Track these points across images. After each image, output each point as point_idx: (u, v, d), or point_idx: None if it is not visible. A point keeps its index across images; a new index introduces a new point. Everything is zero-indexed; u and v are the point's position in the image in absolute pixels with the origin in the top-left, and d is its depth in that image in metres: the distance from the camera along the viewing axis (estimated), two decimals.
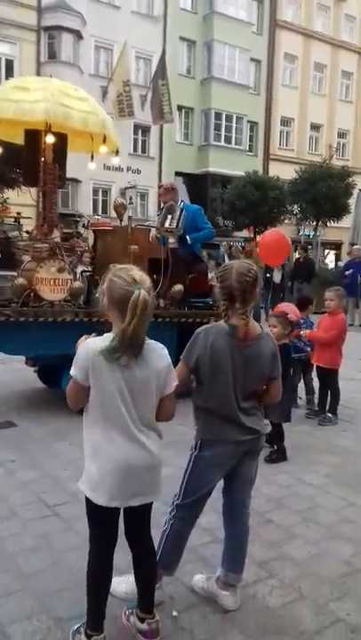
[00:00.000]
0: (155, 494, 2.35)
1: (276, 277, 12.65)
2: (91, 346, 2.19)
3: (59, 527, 3.43)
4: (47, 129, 5.93)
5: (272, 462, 4.59)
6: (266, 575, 2.99)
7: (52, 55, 24.18)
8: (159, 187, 6.88)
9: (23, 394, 6.55)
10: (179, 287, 6.02)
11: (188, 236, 6.46)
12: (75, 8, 23.97)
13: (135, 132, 26.27)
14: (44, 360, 6.06)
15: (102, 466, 2.22)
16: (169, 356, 2.33)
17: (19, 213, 6.27)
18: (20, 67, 22.91)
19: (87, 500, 2.29)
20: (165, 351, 2.31)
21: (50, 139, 5.95)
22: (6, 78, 21.93)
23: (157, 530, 2.65)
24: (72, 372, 2.21)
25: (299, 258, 13.52)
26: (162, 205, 6.75)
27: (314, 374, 6.24)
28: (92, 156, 6.94)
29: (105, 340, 2.20)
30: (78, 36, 24.38)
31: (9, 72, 22.53)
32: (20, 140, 6.45)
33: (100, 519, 2.31)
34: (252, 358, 2.52)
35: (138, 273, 2.20)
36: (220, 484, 2.74)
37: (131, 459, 2.21)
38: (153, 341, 2.27)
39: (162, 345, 2.31)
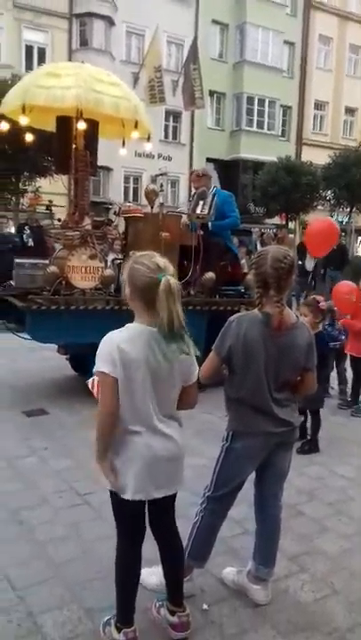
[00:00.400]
0: (178, 485, 2.32)
1: (309, 265, 12.44)
2: (114, 338, 2.13)
3: (89, 516, 3.44)
4: (78, 115, 5.89)
5: (304, 453, 4.52)
6: (297, 569, 2.94)
7: (84, 42, 24.12)
8: (191, 173, 6.78)
9: (54, 381, 6.60)
10: (210, 275, 5.95)
11: (210, 222, 6.36)
12: None
13: (166, 119, 26.11)
14: (75, 348, 6.07)
15: (126, 459, 2.18)
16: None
17: (50, 201, 6.27)
18: (53, 55, 22.93)
19: (112, 494, 2.27)
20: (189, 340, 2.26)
21: (81, 125, 5.90)
22: (39, 66, 22.02)
23: (187, 520, 2.63)
24: (100, 368, 2.11)
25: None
26: (193, 192, 6.65)
27: (347, 364, 6.12)
28: (124, 143, 6.89)
29: (129, 330, 2.16)
30: (110, 22, 24.26)
31: (41, 60, 22.54)
32: (51, 127, 6.44)
33: (126, 513, 2.29)
34: (287, 348, 2.45)
35: (161, 259, 2.16)
36: (253, 475, 2.69)
37: (155, 450, 2.18)
38: None
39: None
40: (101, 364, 2.12)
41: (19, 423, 5.09)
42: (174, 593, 2.44)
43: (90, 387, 2.32)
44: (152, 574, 2.65)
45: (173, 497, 2.36)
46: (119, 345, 2.10)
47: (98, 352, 2.14)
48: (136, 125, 6.19)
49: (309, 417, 4.70)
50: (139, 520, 2.32)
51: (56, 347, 6.51)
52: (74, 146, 6.12)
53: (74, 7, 23.77)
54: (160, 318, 2.06)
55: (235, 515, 2.98)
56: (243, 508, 2.95)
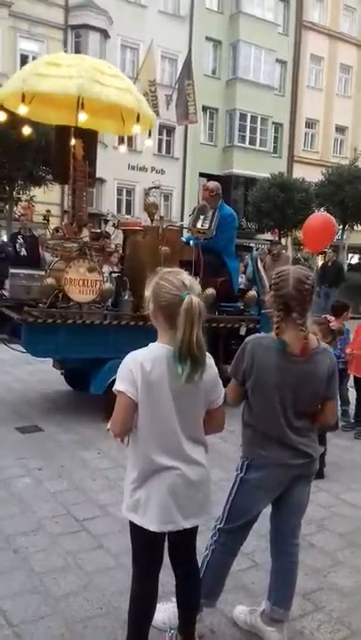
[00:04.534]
0: (206, 514, 2.20)
1: None
2: (137, 357, 2.02)
3: (88, 544, 3.25)
4: (79, 107, 5.56)
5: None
6: (312, 608, 2.77)
7: (79, 53, 24.08)
8: (204, 187, 6.61)
9: (49, 397, 6.39)
10: (211, 291, 5.80)
11: (191, 241, 6.18)
12: (102, 7, 23.86)
13: (160, 133, 26.04)
14: (71, 363, 5.88)
15: (154, 489, 2.05)
16: (215, 366, 2.15)
17: (48, 211, 6.10)
18: None
19: (135, 527, 2.11)
20: (212, 360, 2.12)
21: (82, 116, 5.44)
22: None
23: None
24: (118, 387, 2.01)
25: (327, 262, 13.14)
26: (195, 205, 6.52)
27: (350, 384, 5.98)
28: (124, 139, 6.69)
29: (151, 350, 2.04)
30: (105, 35, 24.26)
31: None
32: (48, 119, 6.29)
33: (150, 545, 2.14)
34: (307, 376, 2.30)
35: (187, 277, 2.05)
36: (268, 509, 2.53)
37: (185, 477, 2.06)
38: None
39: (208, 354, 2.11)
40: (120, 382, 2.01)
41: (12, 440, 4.88)
42: (187, 625, 2.32)
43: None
44: (159, 610, 2.46)
45: (197, 526, 2.22)
46: (142, 364, 1.98)
47: (119, 370, 2.04)
48: (138, 119, 5.88)
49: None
50: (159, 552, 2.17)
51: (51, 360, 6.31)
52: (72, 156, 5.98)
53: (69, 18, 23.76)
54: (177, 338, 1.94)
55: (243, 547, 2.80)
56: (252, 540, 2.79)
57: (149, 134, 6.50)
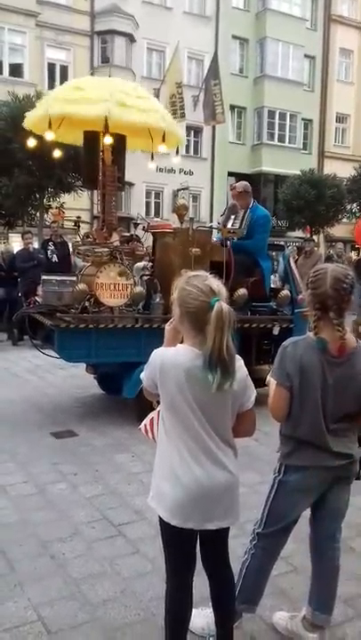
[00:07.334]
0: (233, 518, 2.14)
1: None
2: (161, 354, 2.05)
3: (125, 550, 3.24)
4: (105, 130, 5.75)
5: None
6: (353, 614, 2.70)
7: (105, 59, 24.23)
8: (232, 188, 6.57)
9: (82, 401, 6.42)
10: (242, 291, 5.75)
11: (228, 241, 6.12)
12: (127, 12, 23.99)
13: (187, 134, 25.98)
14: (104, 367, 5.90)
15: (177, 485, 2.03)
16: (245, 367, 2.11)
17: (79, 217, 6.14)
18: (75, 72, 23.03)
19: (160, 519, 2.12)
20: (241, 362, 2.08)
21: (107, 140, 5.72)
22: (61, 84, 22.14)
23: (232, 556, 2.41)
24: (142, 374, 2.14)
25: (360, 257, 12.93)
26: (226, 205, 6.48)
27: None
28: (152, 156, 6.76)
29: (177, 355, 2.01)
30: (131, 39, 24.39)
31: (63, 77, 22.68)
32: (77, 141, 6.35)
33: (176, 540, 2.13)
34: (347, 377, 2.23)
35: (214, 282, 2.02)
36: (307, 511, 2.47)
37: (209, 478, 2.03)
38: None
39: (237, 355, 2.06)
40: (144, 372, 2.12)
41: (47, 446, 4.92)
42: (223, 630, 2.27)
43: (143, 432, 2.25)
44: (198, 616, 2.45)
45: (227, 530, 2.19)
46: (163, 361, 2.01)
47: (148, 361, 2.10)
48: (164, 138, 6.02)
49: None
50: (189, 550, 2.15)
51: (84, 365, 6.35)
52: (101, 161, 6.01)
53: (95, 25, 23.93)
54: (207, 345, 1.91)
55: (281, 551, 2.76)
56: (290, 544, 2.70)
57: (177, 151, 6.52)
